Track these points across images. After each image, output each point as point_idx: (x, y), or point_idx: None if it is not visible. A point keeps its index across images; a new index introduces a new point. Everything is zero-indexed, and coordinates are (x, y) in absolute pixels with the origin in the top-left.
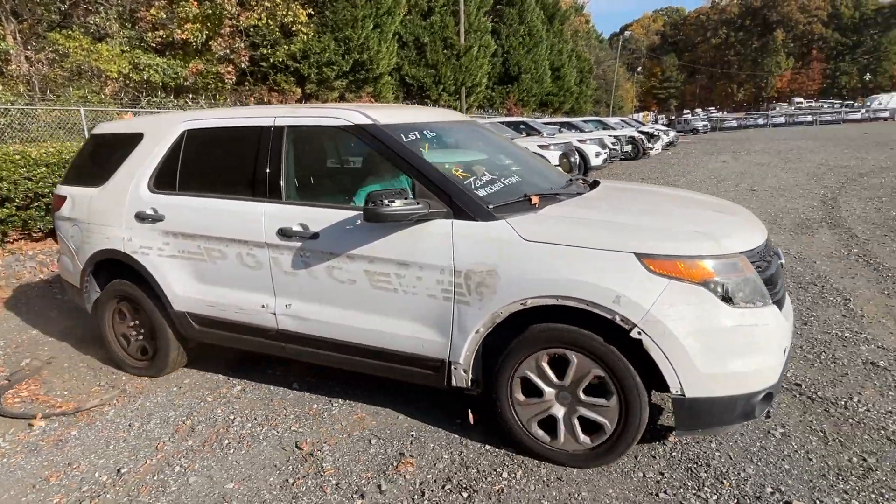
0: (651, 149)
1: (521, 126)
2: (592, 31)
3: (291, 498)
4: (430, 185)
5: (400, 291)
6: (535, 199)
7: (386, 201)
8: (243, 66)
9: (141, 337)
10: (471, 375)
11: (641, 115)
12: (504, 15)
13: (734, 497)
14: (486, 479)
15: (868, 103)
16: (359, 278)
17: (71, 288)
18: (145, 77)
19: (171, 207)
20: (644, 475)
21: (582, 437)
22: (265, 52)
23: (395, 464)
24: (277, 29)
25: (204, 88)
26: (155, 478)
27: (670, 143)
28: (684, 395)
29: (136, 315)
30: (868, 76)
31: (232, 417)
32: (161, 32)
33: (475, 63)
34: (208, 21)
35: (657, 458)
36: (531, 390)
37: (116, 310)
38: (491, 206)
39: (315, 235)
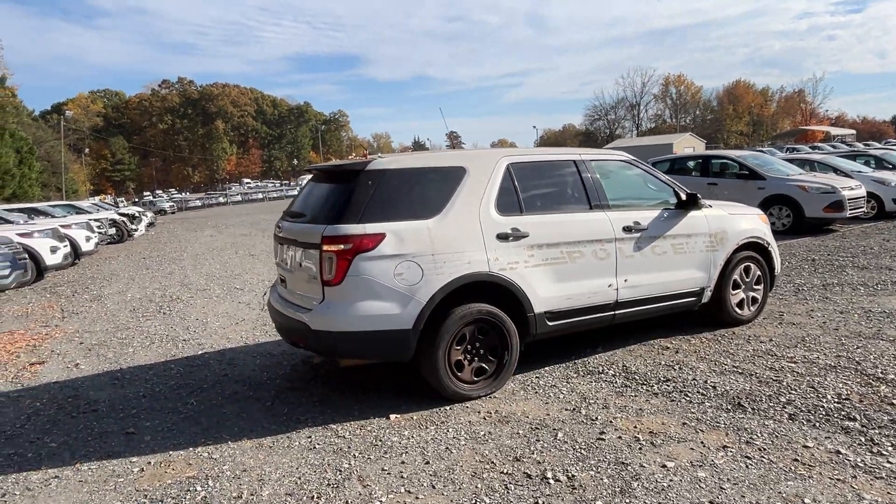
0: (136, 230)
1: None
2: (23, 108)
3: None
4: (685, 193)
5: (687, 252)
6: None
7: (700, 201)
8: None
9: (477, 358)
10: (712, 293)
11: (98, 197)
12: None
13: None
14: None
15: (300, 182)
16: (668, 249)
17: (378, 337)
18: None
19: (532, 225)
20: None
21: (753, 307)
22: None
23: None
24: None
25: None
26: None
27: (151, 224)
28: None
29: (479, 337)
30: (295, 161)
31: None
32: None
33: None
34: None
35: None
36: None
37: (455, 337)
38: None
39: (646, 228)
